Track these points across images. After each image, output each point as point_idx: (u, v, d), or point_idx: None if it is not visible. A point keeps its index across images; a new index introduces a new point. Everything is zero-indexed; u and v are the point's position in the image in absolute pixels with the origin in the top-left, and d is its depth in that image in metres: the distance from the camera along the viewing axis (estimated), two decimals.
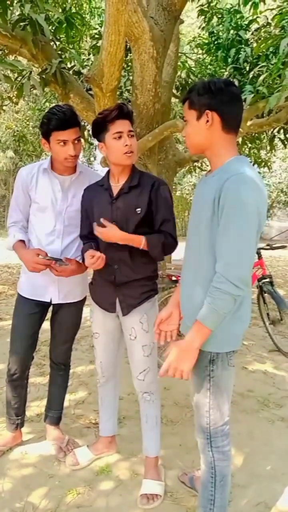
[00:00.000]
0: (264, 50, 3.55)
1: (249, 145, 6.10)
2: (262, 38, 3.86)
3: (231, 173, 1.40)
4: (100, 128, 1.88)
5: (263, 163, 7.36)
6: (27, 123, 10.31)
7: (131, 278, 1.94)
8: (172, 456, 2.29)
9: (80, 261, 2.07)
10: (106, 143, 1.88)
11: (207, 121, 1.47)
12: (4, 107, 5.70)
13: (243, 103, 3.33)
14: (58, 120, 1.93)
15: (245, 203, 1.36)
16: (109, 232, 1.83)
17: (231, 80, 1.62)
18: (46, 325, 2.29)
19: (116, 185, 1.95)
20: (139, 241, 1.85)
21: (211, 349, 1.50)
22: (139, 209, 1.88)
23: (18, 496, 1.97)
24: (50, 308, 2.27)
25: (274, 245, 4.17)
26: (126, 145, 1.84)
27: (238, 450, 2.33)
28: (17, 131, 10.62)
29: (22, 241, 2.14)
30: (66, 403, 2.52)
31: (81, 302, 2.29)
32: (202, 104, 1.47)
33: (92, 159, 15.86)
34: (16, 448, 2.33)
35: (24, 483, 2.05)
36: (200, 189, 1.61)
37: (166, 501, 1.96)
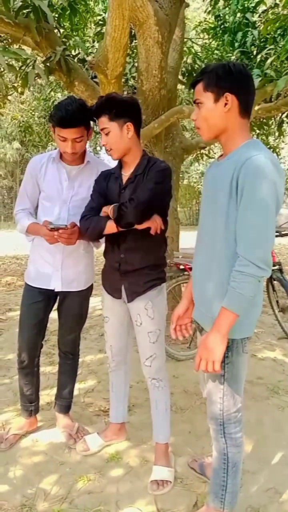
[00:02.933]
0: (271, 32, 3.47)
1: (257, 131, 6.01)
2: (269, 20, 3.76)
3: (249, 155, 1.37)
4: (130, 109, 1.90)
5: (272, 150, 7.27)
6: (33, 113, 10.25)
7: (136, 267, 1.93)
8: (182, 443, 2.30)
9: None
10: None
11: (226, 104, 1.43)
12: (9, 97, 5.66)
13: None
14: (59, 118, 1.91)
15: (264, 185, 1.34)
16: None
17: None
18: (54, 314, 2.30)
19: (126, 174, 1.96)
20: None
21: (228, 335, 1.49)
22: None
23: (30, 482, 1.99)
24: (58, 297, 2.27)
25: (283, 232, 4.12)
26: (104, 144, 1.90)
27: (248, 437, 2.33)
28: (23, 121, 10.58)
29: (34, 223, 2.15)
30: (76, 392, 2.53)
31: (87, 291, 2.28)
32: (222, 87, 1.43)
33: (98, 148, 15.76)
34: (27, 436, 2.35)
35: (35, 470, 2.08)
36: (212, 173, 1.58)
37: (176, 487, 1.97)
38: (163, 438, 2.08)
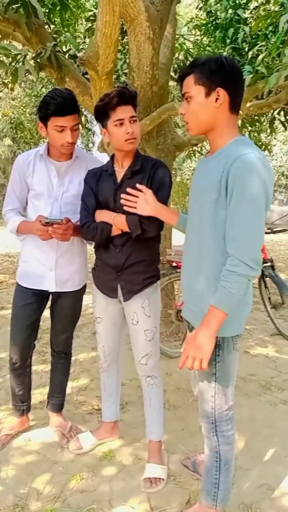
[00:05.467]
0: (262, 28, 3.46)
1: (249, 128, 6.01)
2: (260, 17, 3.75)
3: (238, 153, 1.36)
4: (101, 114, 1.84)
5: (264, 147, 7.27)
6: (24, 110, 10.16)
7: (132, 261, 1.90)
8: (175, 441, 2.30)
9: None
10: (109, 130, 1.85)
11: (217, 99, 1.41)
12: (0, 94, 5.62)
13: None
14: (56, 105, 1.86)
15: (254, 184, 1.34)
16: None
17: None
18: (47, 313, 2.28)
19: (120, 171, 1.93)
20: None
21: (217, 333, 1.48)
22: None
23: (22, 482, 1.98)
24: (50, 297, 2.25)
25: (275, 229, 4.13)
26: (128, 132, 1.80)
27: (240, 433, 2.34)
28: (14, 118, 10.49)
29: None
30: (68, 390, 2.52)
31: (80, 291, 2.25)
32: (214, 81, 1.40)
33: (90, 145, 15.70)
34: (19, 435, 2.34)
35: (28, 470, 2.07)
36: (201, 171, 1.57)
37: (169, 484, 1.97)
38: (157, 435, 2.08)
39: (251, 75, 3.15)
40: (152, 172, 1.88)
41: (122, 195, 1.77)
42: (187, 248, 1.62)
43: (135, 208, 1.72)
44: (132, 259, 1.91)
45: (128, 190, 1.75)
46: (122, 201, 1.77)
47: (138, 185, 1.73)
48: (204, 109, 1.44)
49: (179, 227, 1.81)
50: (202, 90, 1.42)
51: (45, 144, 2.10)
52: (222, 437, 1.60)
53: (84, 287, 2.28)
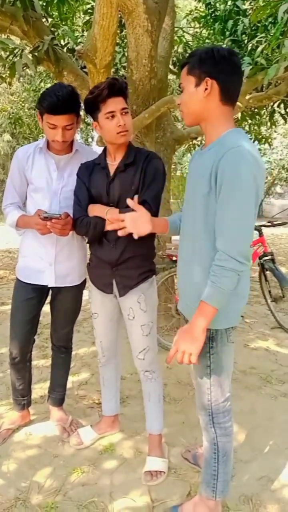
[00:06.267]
0: (262, 19, 3.43)
1: (249, 121, 5.98)
2: (259, 7, 3.71)
3: (228, 147, 1.35)
4: (92, 107, 1.81)
5: (264, 140, 7.24)
6: (23, 105, 10.10)
7: (127, 256, 1.88)
8: (175, 434, 2.31)
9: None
10: (100, 123, 1.82)
11: (206, 89, 1.40)
12: None
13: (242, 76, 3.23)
14: (49, 104, 1.83)
15: (243, 178, 1.33)
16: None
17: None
18: (48, 308, 2.28)
19: (113, 164, 1.90)
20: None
21: (210, 326, 1.48)
22: (134, 186, 1.83)
23: (24, 476, 1.99)
24: (50, 292, 2.24)
25: (275, 222, 4.12)
26: (119, 125, 1.76)
27: (241, 426, 2.35)
28: (13, 113, 10.42)
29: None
30: (69, 384, 2.53)
31: (80, 286, 2.24)
32: (203, 71, 1.40)
33: (90, 140, 15.64)
34: (20, 429, 2.35)
35: (29, 464, 2.08)
36: (195, 163, 1.56)
37: (170, 477, 1.98)
38: (157, 429, 2.09)
39: (251, 67, 3.13)
40: (145, 165, 1.85)
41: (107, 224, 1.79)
42: (182, 243, 1.62)
43: (128, 229, 1.62)
44: (127, 253, 1.88)
45: (120, 215, 1.68)
46: (108, 227, 1.79)
47: (128, 201, 1.64)
48: (194, 99, 1.44)
49: (172, 231, 1.81)
50: (193, 80, 1.43)
51: (45, 137, 2.08)
52: (219, 429, 1.61)
53: (84, 282, 2.27)
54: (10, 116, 10.60)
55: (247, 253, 1.38)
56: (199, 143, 6.98)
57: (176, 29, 5.12)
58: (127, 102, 1.83)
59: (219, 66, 1.40)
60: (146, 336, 1.97)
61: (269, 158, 17.85)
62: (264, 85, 3.75)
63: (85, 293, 2.34)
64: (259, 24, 3.91)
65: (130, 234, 1.63)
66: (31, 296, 2.15)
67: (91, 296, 2.10)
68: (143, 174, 1.84)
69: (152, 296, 1.99)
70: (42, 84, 7.69)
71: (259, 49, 3.21)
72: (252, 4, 4.47)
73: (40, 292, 2.17)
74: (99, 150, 2.08)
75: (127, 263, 1.90)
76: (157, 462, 2.01)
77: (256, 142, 7.21)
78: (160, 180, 1.86)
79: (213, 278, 1.37)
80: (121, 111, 1.77)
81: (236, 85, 1.46)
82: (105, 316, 2.08)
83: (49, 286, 2.15)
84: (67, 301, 2.23)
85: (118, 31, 4.27)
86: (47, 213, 1.90)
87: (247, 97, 3.58)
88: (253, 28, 4.17)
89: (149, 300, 1.96)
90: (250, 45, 3.75)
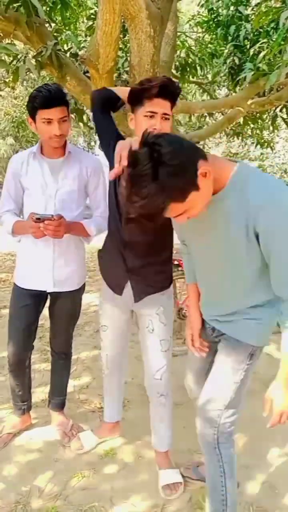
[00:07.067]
0: (264, 24, 3.45)
1: (252, 125, 6.00)
2: (260, 13, 3.74)
3: (262, 198, 1.22)
4: (135, 99, 1.67)
5: (266, 144, 7.26)
6: (26, 108, 10.18)
7: (139, 264, 1.80)
8: (176, 439, 2.29)
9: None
10: (136, 118, 1.69)
11: (204, 175, 1.20)
12: (2, 93, 5.62)
13: (244, 81, 3.22)
14: (43, 98, 1.87)
15: None
16: None
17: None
18: (47, 312, 2.28)
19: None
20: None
21: (257, 343, 1.47)
22: None
23: (24, 480, 1.99)
24: (49, 297, 2.23)
25: None
26: (155, 128, 1.59)
27: (243, 431, 2.34)
28: (16, 117, 10.48)
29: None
30: (70, 388, 2.53)
31: (79, 291, 2.23)
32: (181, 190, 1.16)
33: (92, 143, 15.69)
34: (21, 433, 2.35)
35: (30, 468, 2.08)
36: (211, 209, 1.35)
37: None
38: (167, 446, 2.06)
39: (252, 73, 3.14)
40: None
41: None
42: (208, 279, 1.57)
43: None
44: (137, 261, 1.81)
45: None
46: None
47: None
48: (200, 200, 1.24)
49: None
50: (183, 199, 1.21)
51: (38, 142, 2.10)
52: (224, 449, 1.55)
53: (83, 286, 2.27)
54: (14, 120, 10.65)
55: None
56: (201, 146, 7.00)
57: (178, 33, 5.15)
58: (172, 108, 1.68)
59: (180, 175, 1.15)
60: (165, 352, 1.90)
61: (272, 162, 17.88)
62: (266, 90, 3.76)
63: (87, 296, 2.35)
64: (261, 30, 3.93)
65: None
66: (29, 302, 2.14)
67: (101, 307, 2.06)
68: None
69: (170, 310, 1.92)
70: None
71: (261, 55, 3.23)
72: (254, 9, 4.50)
73: (38, 298, 2.17)
74: (102, 154, 2.07)
75: (144, 268, 1.82)
76: (172, 474, 1.97)
77: (259, 146, 7.23)
78: None
79: None
80: (163, 115, 1.64)
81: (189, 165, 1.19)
82: (115, 329, 2.03)
83: (48, 291, 2.14)
84: (66, 307, 2.22)
85: (121, 36, 4.30)
86: (39, 214, 1.90)
87: (249, 102, 3.59)
88: (255, 34, 4.19)
89: (168, 314, 1.90)
90: (252, 50, 3.77)
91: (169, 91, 1.63)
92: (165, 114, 1.65)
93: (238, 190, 1.26)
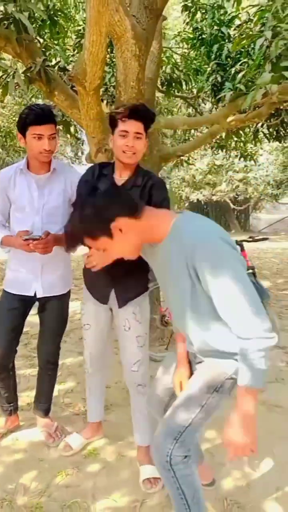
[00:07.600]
0: (245, 46, 3.63)
1: (235, 138, 6.18)
2: (243, 35, 3.94)
3: (192, 241, 1.36)
4: (112, 121, 1.93)
5: (249, 157, 7.46)
6: (14, 118, 10.24)
7: (121, 273, 1.90)
8: None
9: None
10: (114, 138, 1.93)
11: (120, 230, 1.41)
12: None
13: (225, 99, 3.36)
14: (35, 115, 2.02)
15: (226, 259, 1.33)
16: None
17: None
18: (35, 318, 2.38)
19: (119, 179, 1.97)
20: None
21: (234, 373, 1.45)
22: None
23: (10, 478, 2.07)
24: (35, 304, 2.32)
25: (256, 237, 4.27)
26: (127, 145, 1.86)
27: (217, 429, 2.44)
28: (4, 126, 10.56)
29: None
30: (55, 393, 2.61)
31: (66, 296, 2.34)
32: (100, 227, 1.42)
33: (80, 154, 15.85)
34: (8, 435, 2.43)
35: (15, 467, 2.16)
36: (160, 254, 1.54)
37: None
38: (147, 441, 2.14)
39: (231, 92, 3.31)
40: (151, 189, 1.94)
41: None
42: (172, 302, 1.62)
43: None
44: (121, 270, 1.88)
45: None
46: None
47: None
48: (121, 245, 1.47)
49: None
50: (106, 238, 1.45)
51: (25, 158, 2.22)
52: (179, 471, 1.44)
53: (69, 292, 2.38)
54: (1, 129, 10.72)
55: (269, 326, 1.30)
56: (186, 159, 7.16)
57: (164, 49, 5.33)
58: (146, 129, 1.91)
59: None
60: (141, 347, 2.04)
61: (256, 175, 18.20)
62: (244, 109, 3.93)
63: (72, 304, 2.45)
64: (242, 49, 4.12)
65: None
66: (16, 306, 2.23)
67: (84, 307, 2.17)
68: (149, 200, 1.93)
69: (146, 308, 2.07)
70: (33, 99, 7.85)
71: (240, 75, 3.40)
72: (236, 30, 4.70)
73: (25, 303, 2.26)
74: (82, 169, 2.18)
75: (125, 277, 1.95)
76: (152, 469, 2.04)
77: (242, 159, 7.43)
78: (167, 198, 1.98)
79: (249, 362, 1.30)
80: (134, 134, 1.87)
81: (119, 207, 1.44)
82: (97, 327, 2.14)
83: (38, 296, 2.24)
84: (55, 312, 2.31)
85: (109, 51, 4.46)
86: (28, 235, 2.02)
87: (230, 118, 3.75)
88: (237, 53, 4.38)
89: (144, 312, 2.04)
90: (234, 69, 3.95)
91: (140, 113, 1.88)
92: (138, 133, 1.89)
93: (176, 237, 1.43)
